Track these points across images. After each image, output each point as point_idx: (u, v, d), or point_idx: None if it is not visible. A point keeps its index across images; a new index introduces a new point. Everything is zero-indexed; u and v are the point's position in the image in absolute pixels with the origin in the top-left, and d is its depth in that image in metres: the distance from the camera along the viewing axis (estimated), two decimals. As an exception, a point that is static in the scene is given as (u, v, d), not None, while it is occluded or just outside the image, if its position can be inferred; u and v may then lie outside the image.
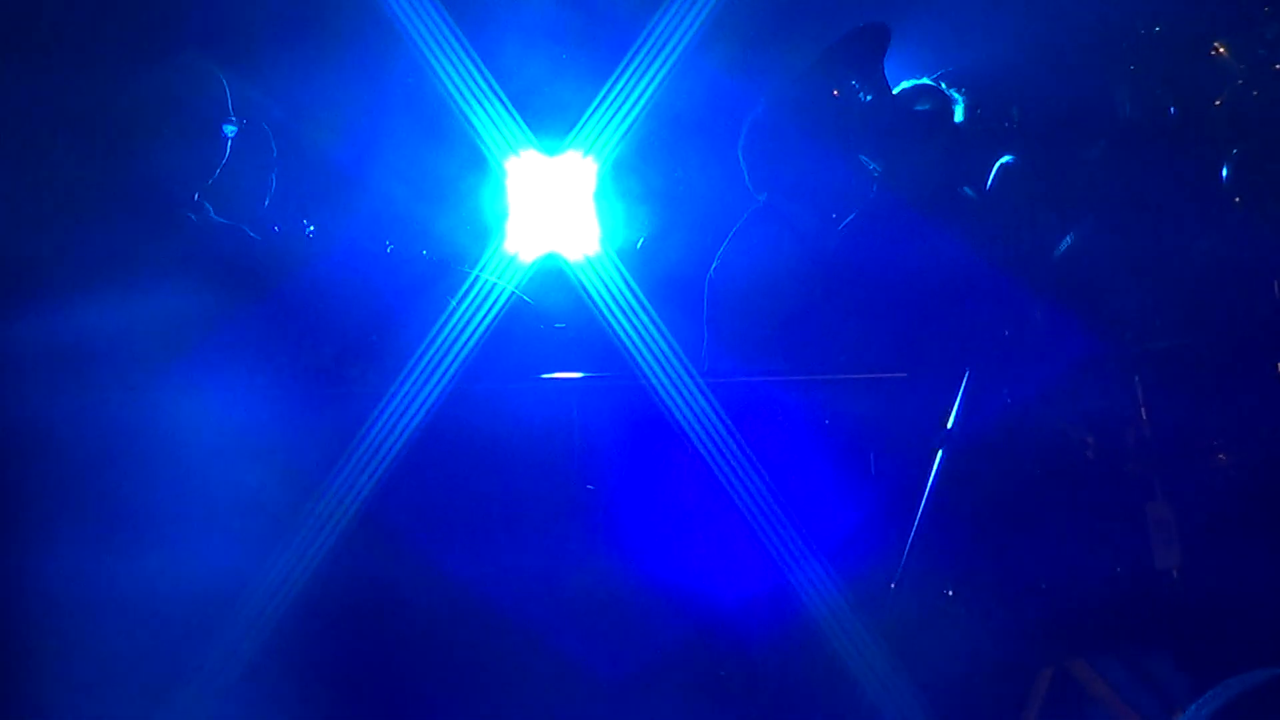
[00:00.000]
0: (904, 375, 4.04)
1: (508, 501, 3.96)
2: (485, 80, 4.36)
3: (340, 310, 3.77)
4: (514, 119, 4.35)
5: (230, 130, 3.69)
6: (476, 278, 4.03)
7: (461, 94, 4.36)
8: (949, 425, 3.99)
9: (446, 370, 3.90)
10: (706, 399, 4.02)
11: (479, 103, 4.35)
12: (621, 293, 4.17)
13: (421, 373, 3.85)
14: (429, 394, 3.86)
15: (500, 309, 4.02)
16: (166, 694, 3.41)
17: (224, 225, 3.76)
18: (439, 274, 4.09)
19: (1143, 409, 3.98)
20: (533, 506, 4.00)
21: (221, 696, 3.47)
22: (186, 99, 3.63)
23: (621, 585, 3.94)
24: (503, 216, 4.30)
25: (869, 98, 4.35)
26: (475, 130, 4.34)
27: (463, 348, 3.92)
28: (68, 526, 3.37)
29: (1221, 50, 4.44)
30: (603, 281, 4.20)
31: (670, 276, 4.35)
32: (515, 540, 3.97)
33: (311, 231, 4.09)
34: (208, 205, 3.74)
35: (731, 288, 4.19)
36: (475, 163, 4.44)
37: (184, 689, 3.44)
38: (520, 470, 4.00)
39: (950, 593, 3.93)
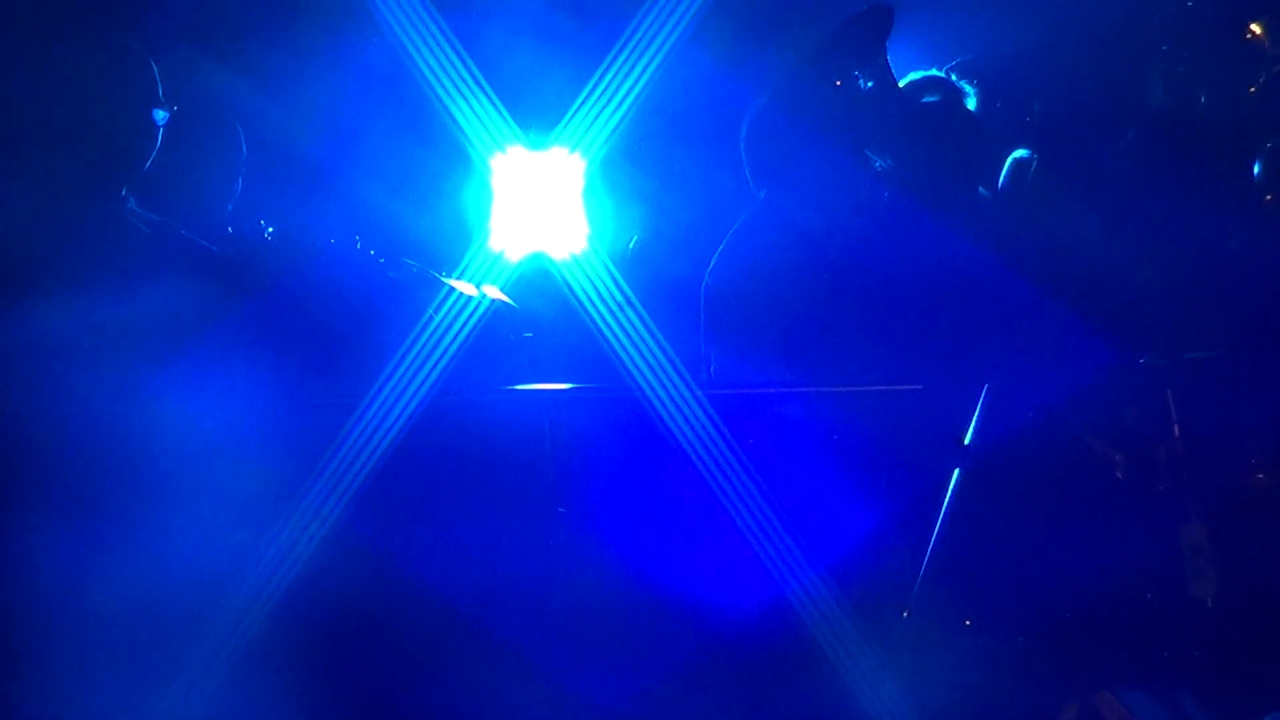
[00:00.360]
0: (918, 387, 3.77)
1: (487, 518, 3.68)
2: (468, 72, 4.07)
3: (305, 317, 3.47)
4: (498, 113, 4.06)
5: (161, 117, 3.36)
6: (457, 281, 3.74)
7: (444, 86, 4.07)
8: (966, 440, 3.73)
9: (423, 380, 3.62)
10: (705, 412, 3.74)
11: (462, 96, 4.06)
12: (612, 296, 3.88)
13: (397, 383, 3.57)
14: (405, 405, 3.58)
15: (482, 314, 3.74)
16: (156, 693, 3.29)
17: (157, 222, 3.44)
18: (417, 277, 3.79)
19: (1175, 424, 3.71)
20: (513, 525, 3.72)
21: (204, 702, 3.35)
22: (108, 82, 3.31)
23: (614, 604, 3.66)
24: (486, 215, 3.99)
25: (872, 86, 4.08)
26: (458, 125, 4.05)
27: (441, 356, 3.64)
28: (38, 534, 3.18)
29: (1257, 33, 4.15)
30: (592, 284, 3.91)
31: (664, 279, 4.05)
32: (495, 556, 3.71)
33: (270, 233, 3.79)
34: (132, 200, 3.40)
35: (730, 291, 3.90)
36: (458, 159, 4.14)
37: (172, 690, 3.32)
38: (500, 487, 3.71)
39: (968, 622, 3.66)
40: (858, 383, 3.89)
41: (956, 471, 3.72)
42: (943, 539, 3.68)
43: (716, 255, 3.93)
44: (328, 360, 3.61)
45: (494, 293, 3.86)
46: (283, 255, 3.76)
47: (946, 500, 3.70)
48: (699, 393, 3.79)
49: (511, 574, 3.70)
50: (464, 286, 3.73)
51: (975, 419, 3.76)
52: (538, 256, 3.97)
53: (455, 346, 3.66)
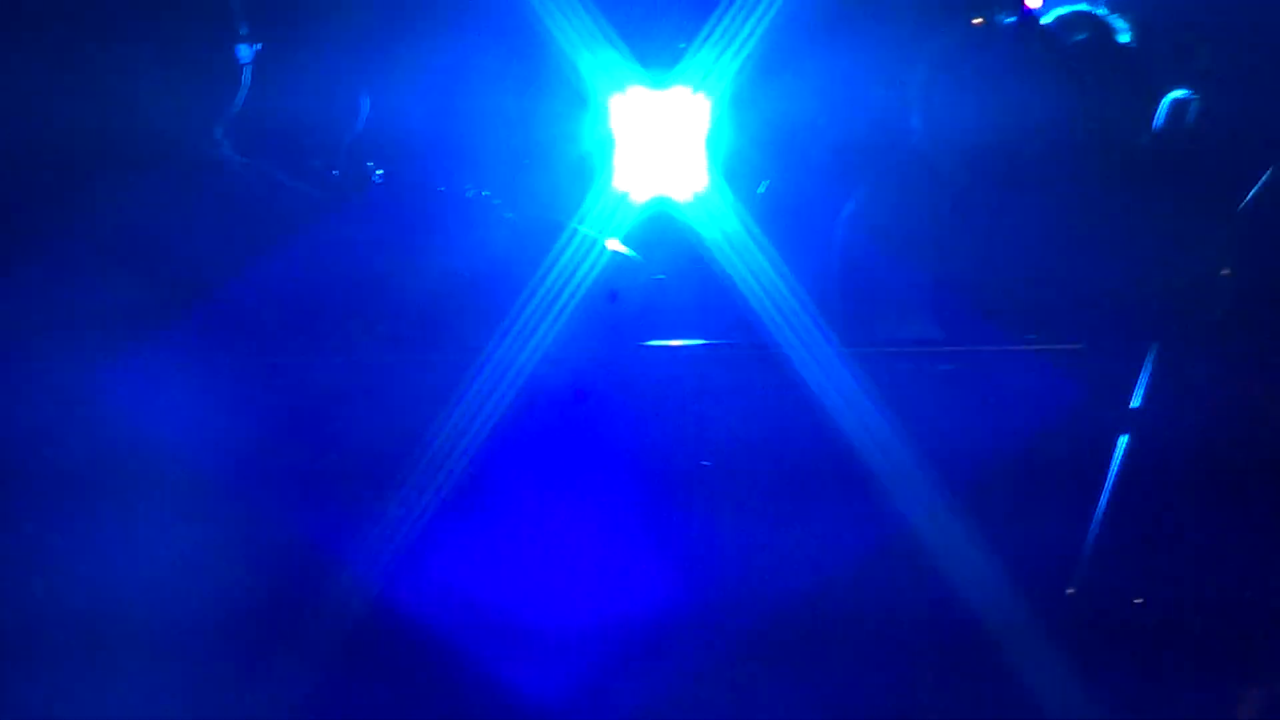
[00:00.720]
0: (1079, 346, 3.42)
1: (606, 489, 3.41)
2: (584, 7, 3.78)
3: (412, 267, 3.22)
4: (617, 50, 3.76)
5: (247, 54, 3.11)
6: (575, 230, 3.46)
7: (559, 23, 3.78)
8: (1134, 404, 3.38)
9: (538, 336, 3.35)
10: (844, 370, 3.43)
11: (578, 33, 3.76)
12: (742, 243, 3.58)
13: (510, 339, 3.31)
14: (520, 363, 3.32)
15: (607, 264, 3.46)
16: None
17: (252, 168, 3.19)
18: (537, 222, 3.52)
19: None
20: (637, 492, 3.44)
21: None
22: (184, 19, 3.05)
23: (747, 590, 3.37)
24: (606, 160, 3.70)
25: (1014, 22, 3.73)
26: (574, 64, 3.76)
27: (559, 310, 3.36)
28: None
29: None
30: (720, 230, 3.61)
31: (796, 225, 3.73)
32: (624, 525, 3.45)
33: (380, 175, 3.53)
34: (227, 145, 3.17)
35: (871, 237, 3.58)
36: (575, 101, 3.85)
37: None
38: (624, 451, 3.43)
39: (1139, 601, 3.33)
40: (1012, 341, 3.56)
41: (1124, 437, 3.38)
42: (1109, 509, 3.35)
43: (855, 199, 3.61)
44: (443, 312, 3.36)
45: (616, 245, 3.58)
46: (393, 200, 3.50)
47: (1113, 468, 3.37)
48: (837, 349, 3.48)
49: (650, 544, 3.42)
50: (590, 233, 3.46)
51: (1144, 381, 3.42)
52: (661, 201, 3.67)
53: (579, 298, 3.38)
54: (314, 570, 3.19)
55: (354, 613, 3.21)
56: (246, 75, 3.19)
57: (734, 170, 3.72)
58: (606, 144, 3.72)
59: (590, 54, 3.72)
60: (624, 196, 3.63)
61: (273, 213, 3.22)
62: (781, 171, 3.70)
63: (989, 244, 3.60)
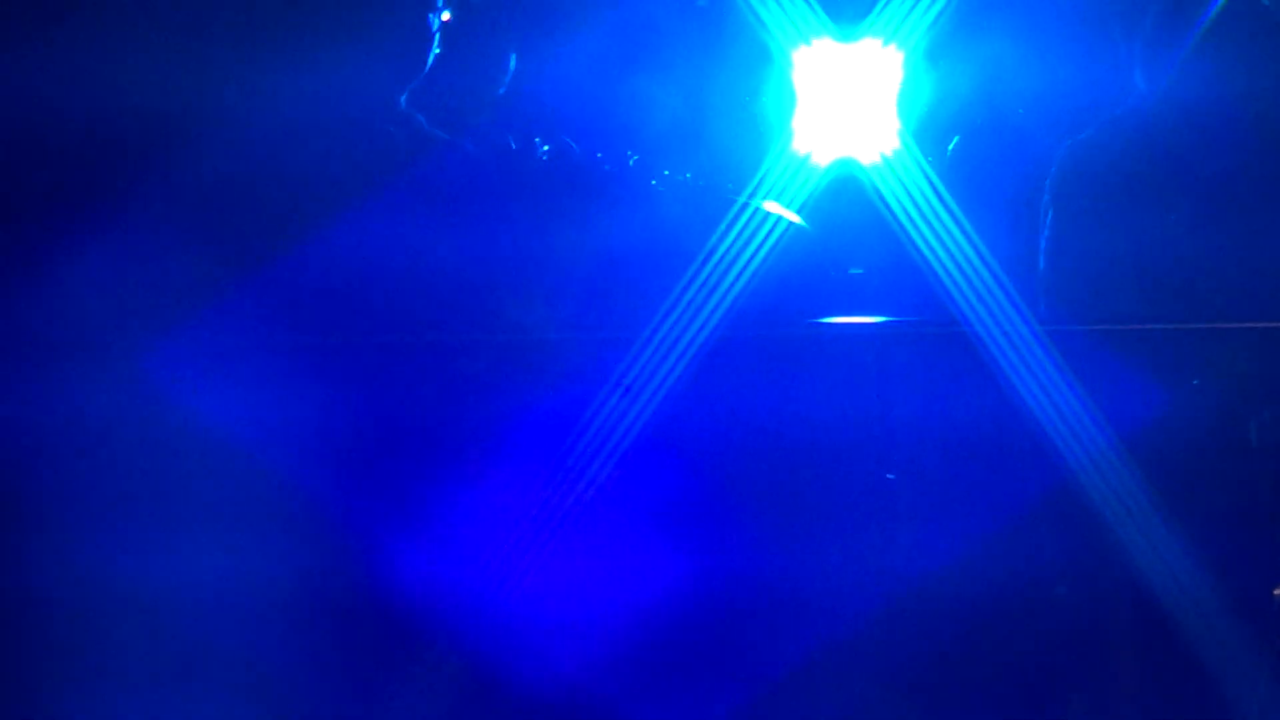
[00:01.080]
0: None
1: (786, 482, 3.18)
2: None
3: (583, 237, 3.03)
4: (802, 0, 3.50)
5: (437, 21, 2.95)
6: (752, 197, 3.23)
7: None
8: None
9: (715, 310, 3.13)
10: (1044, 352, 3.13)
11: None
12: (933, 210, 3.29)
13: (680, 316, 3.10)
14: (694, 339, 3.12)
15: (785, 234, 3.22)
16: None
17: (442, 140, 3.03)
18: (708, 195, 3.29)
19: None
20: (814, 493, 3.20)
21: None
22: None
23: (941, 593, 3.12)
24: (789, 118, 3.45)
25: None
26: (757, 15, 3.51)
27: (732, 284, 3.14)
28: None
29: None
30: (909, 196, 3.33)
31: (993, 191, 3.41)
32: (790, 537, 3.21)
33: (546, 151, 3.33)
34: (419, 117, 3.01)
35: (1077, 208, 3.24)
36: (755, 55, 3.60)
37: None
38: (797, 443, 3.20)
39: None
40: (1228, 318, 3.21)
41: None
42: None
43: (1056, 163, 3.27)
44: (611, 285, 3.16)
45: (779, 209, 3.33)
46: (563, 171, 3.30)
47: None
48: (1038, 329, 3.18)
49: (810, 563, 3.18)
50: (769, 206, 3.22)
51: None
52: (846, 163, 3.41)
53: (752, 270, 3.15)
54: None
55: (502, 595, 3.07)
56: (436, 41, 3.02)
57: (926, 131, 3.43)
58: (788, 102, 3.46)
59: (773, 3, 3.47)
60: (805, 159, 3.38)
61: (446, 181, 3.06)
62: (977, 132, 3.37)
63: (1209, 215, 3.24)
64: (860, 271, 3.39)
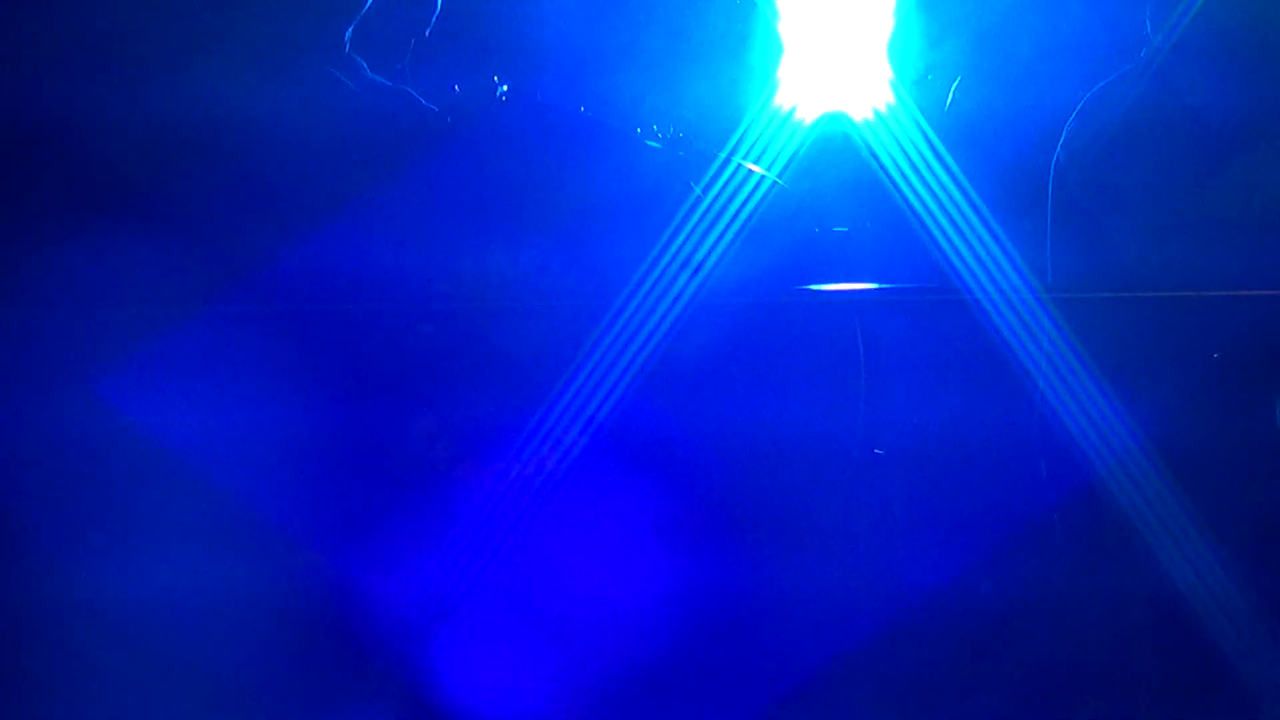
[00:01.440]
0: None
1: (767, 459, 2.92)
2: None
3: (541, 193, 2.76)
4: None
5: None
6: (733, 154, 2.96)
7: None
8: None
9: (692, 277, 2.86)
10: (1051, 322, 2.88)
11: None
12: (929, 168, 3.02)
13: (654, 283, 2.83)
14: (670, 306, 2.85)
15: (766, 193, 2.95)
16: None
17: (382, 86, 2.76)
18: (685, 151, 3.02)
19: None
20: (797, 477, 2.95)
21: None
22: None
23: (937, 589, 2.89)
24: (772, 69, 3.17)
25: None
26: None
27: (710, 250, 2.87)
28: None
29: None
30: (903, 152, 3.06)
31: (996, 148, 3.14)
32: (771, 528, 2.98)
33: (504, 93, 3.04)
34: (360, 61, 2.74)
35: (1092, 163, 2.98)
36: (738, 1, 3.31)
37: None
38: (779, 419, 2.96)
39: None
40: (1253, 285, 2.96)
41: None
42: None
43: (1075, 114, 3.00)
44: (572, 247, 2.89)
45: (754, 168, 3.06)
46: (516, 119, 3.02)
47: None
48: (1044, 296, 2.93)
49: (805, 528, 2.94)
50: (747, 161, 2.95)
51: None
52: (835, 118, 3.13)
53: (732, 235, 2.89)
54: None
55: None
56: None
57: (922, 82, 3.15)
58: (772, 51, 3.18)
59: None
60: (790, 113, 3.10)
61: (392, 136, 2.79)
62: (978, 84, 3.11)
63: (1230, 173, 2.98)
64: (845, 229, 3.10)
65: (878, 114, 3.08)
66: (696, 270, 2.90)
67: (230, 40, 2.80)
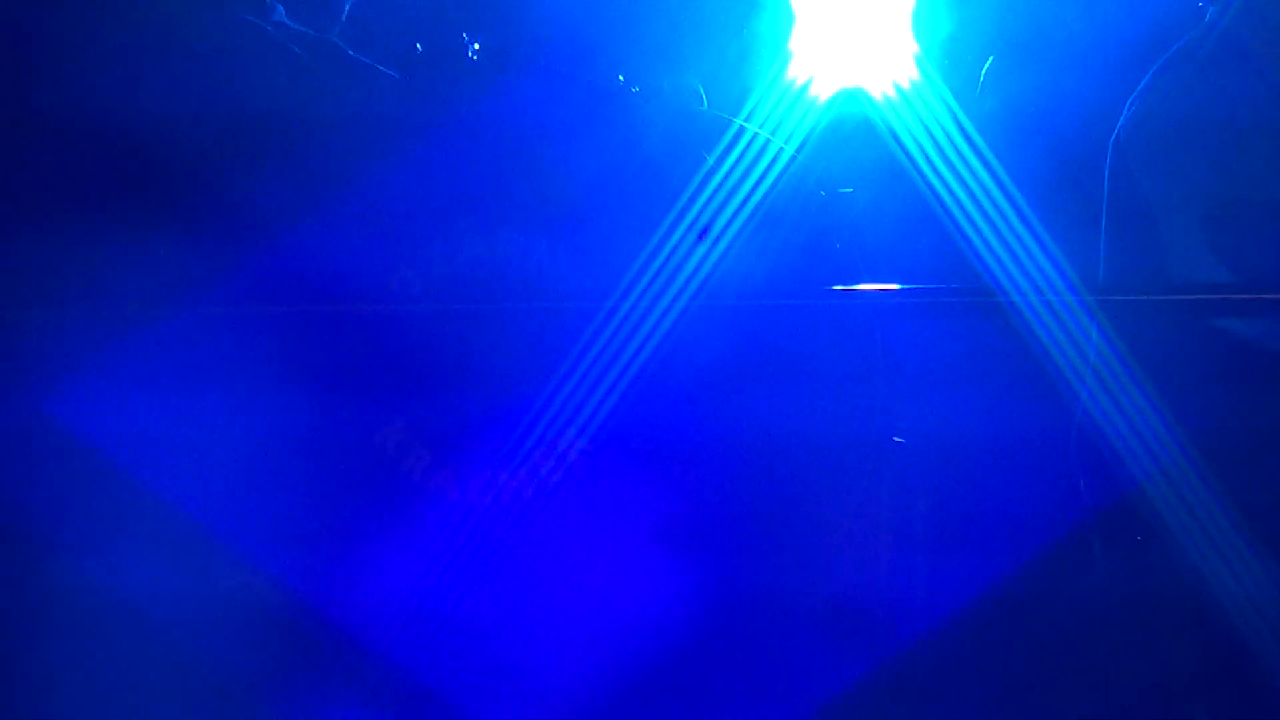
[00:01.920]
0: None
1: (778, 479, 2.64)
2: None
3: (520, 163, 2.52)
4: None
5: None
6: (743, 129, 2.64)
7: None
8: None
9: (695, 272, 2.59)
10: (1097, 328, 2.57)
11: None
12: (959, 154, 2.70)
13: (650, 282, 2.53)
14: (662, 314, 2.52)
15: (781, 174, 2.63)
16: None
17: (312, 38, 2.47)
18: (688, 123, 2.68)
19: None
20: (816, 487, 2.65)
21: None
22: None
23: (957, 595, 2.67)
24: (784, 41, 2.82)
25: None
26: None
27: (715, 245, 2.55)
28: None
29: None
30: (930, 137, 2.73)
31: (1035, 131, 2.79)
32: (786, 529, 2.72)
33: (476, 51, 2.70)
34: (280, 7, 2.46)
35: (1148, 151, 2.65)
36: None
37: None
38: (794, 430, 2.67)
39: None
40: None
41: None
42: None
43: (1136, 93, 2.67)
44: (560, 240, 2.58)
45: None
46: (489, 78, 2.68)
47: None
48: (1086, 298, 2.62)
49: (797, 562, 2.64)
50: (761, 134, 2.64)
51: None
52: (853, 95, 2.79)
53: (738, 229, 2.57)
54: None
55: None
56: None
57: (950, 57, 2.81)
58: (784, 21, 2.84)
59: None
60: (804, 89, 2.76)
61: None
62: (1014, 59, 2.76)
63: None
64: (864, 222, 2.79)
65: (901, 92, 2.75)
66: (697, 270, 2.58)
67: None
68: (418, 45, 2.65)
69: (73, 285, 2.60)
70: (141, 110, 2.49)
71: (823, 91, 2.76)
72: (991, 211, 2.68)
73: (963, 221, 2.67)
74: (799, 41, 2.77)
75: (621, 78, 2.74)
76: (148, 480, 2.63)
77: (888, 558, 2.79)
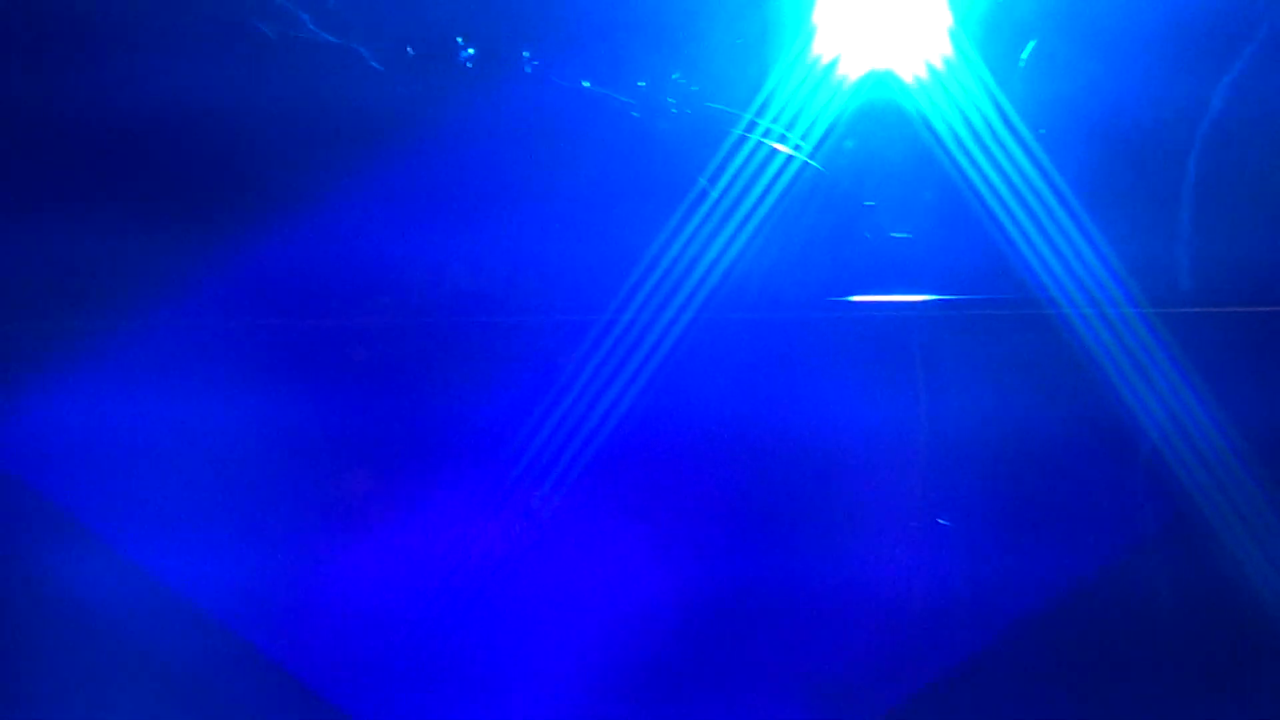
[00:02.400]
0: None
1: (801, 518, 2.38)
2: None
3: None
4: None
5: None
6: (752, 127, 2.34)
7: None
8: None
9: (696, 289, 2.32)
10: (1159, 345, 2.28)
11: None
12: (1002, 147, 2.39)
13: (654, 293, 2.25)
14: (668, 325, 2.24)
15: (794, 181, 2.33)
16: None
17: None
18: (694, 125, 2.37)
19: None
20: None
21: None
22: None
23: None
24: (804, 15, 2.50)
25: None
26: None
27: (728, 248, 2.24)
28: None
29: None
30: (968, 126, 2.42)
31: (1087, 124, 2.48)
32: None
33: (470, 58, 2.42)
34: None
35: (1210, 153, 2.34)
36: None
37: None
38: (817, 462, 2.41)
39: None
40: None
41: None
42: None
43: (1229, 80, 2.35)
44: (554, 251, 2.31)
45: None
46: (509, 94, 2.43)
47: None
48: (1146, 311, 2.32)
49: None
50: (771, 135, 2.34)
51: None
52: (882, 79, 2.47)
53: (753, 230, 2.27)
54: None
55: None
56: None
57: (991, 36, 2.49)
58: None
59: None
60: (827, 74, 2.44)
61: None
62: (1065, 39, 2.43)
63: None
64: (896, 225, 2.48)
65: (935, 74, 2.43)
66: (705, 277, 2.29)
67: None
68: (409, 49, 2.37)
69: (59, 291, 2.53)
70: (137, 109, 2.43)
71: (847, 75, 2.45)
72: (1037, 209, 2.38)
73: (1006, 223, 2.37)
74: (822, 17, 2.45)
75: (627, 77, 2.45)
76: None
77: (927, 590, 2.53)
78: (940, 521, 2.43)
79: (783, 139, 2.39)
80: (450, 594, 2.57)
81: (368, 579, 2.57)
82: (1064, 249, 2.35)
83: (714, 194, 2.30)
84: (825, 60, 2.43)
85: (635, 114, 2.42)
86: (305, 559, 2.58)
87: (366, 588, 2.58)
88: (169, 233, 2.47)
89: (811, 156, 2.41)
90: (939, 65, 2.45)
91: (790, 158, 2.38)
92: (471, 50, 2.39)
